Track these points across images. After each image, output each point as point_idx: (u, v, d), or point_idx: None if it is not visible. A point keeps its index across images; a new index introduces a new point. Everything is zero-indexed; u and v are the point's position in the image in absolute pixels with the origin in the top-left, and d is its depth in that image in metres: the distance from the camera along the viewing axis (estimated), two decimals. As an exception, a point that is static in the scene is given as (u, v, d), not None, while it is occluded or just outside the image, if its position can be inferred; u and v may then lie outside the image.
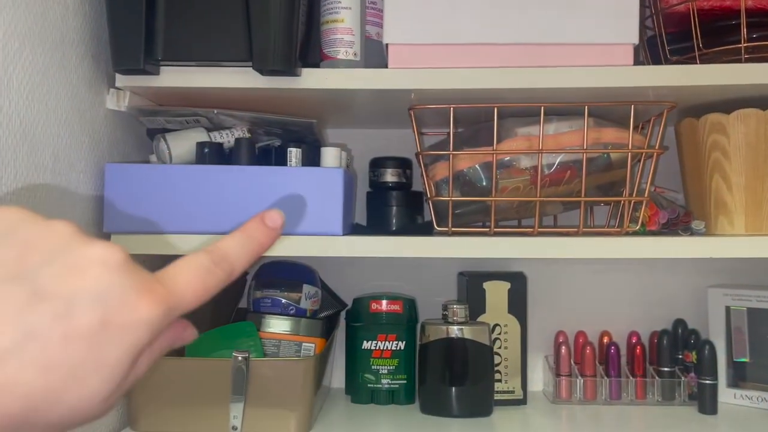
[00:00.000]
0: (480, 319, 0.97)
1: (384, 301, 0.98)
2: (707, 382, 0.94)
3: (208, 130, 0.85)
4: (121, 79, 0.79)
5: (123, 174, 0.78)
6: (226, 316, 1.02)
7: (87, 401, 0.25)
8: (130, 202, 0.78)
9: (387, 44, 0.79)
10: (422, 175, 0.87)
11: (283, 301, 0.94)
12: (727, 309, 0.99)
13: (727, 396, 0.98)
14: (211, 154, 0.81)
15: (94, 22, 0.77)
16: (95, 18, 0.78)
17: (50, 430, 0.26)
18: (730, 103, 0.84)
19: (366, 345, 0.98)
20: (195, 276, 0.29)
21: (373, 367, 0.98)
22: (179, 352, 0.88)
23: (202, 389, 0.83)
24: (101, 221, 0.79)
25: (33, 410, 0.24)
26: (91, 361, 0.25)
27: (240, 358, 0.82)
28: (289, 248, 0.78)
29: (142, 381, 0.30)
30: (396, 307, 0.98)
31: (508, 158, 0.84)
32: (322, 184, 0.79)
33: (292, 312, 0.94)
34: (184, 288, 0.28)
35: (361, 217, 1.04)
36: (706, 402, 0.94)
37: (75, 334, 0.24)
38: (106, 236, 0.79)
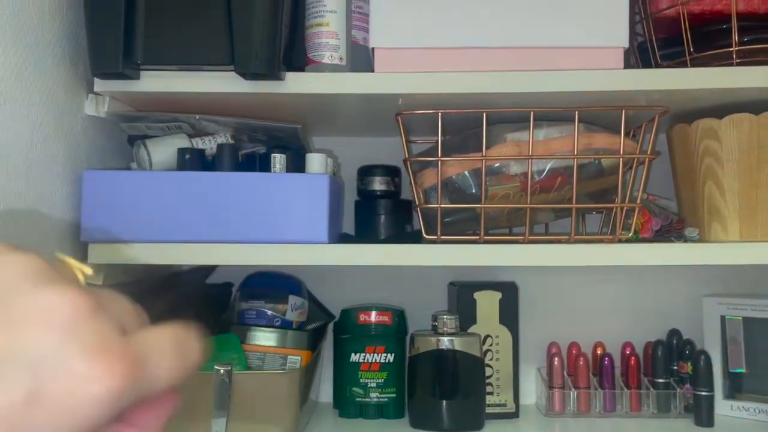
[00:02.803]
0: (471, 330, 0.95)
1: (373, 313, 0.96)
2: (703, 393, 0.91)
3: (190, 136, 0.83)
4: (99, 84, 0.76)
5: (101, 181, 0.76)
6: (209, 327, 0.99)
7: None
8: (108, 211, 0.76)
9: (373, 48, 0.78)
10: (410, 182, 0.85)
11: (269, 312, 0.91)
12: (723, 318, 0.97)
13: (723, 408, 0.95)
14: (192, 161, 0.79)
15: (71, 24, 0.75)
16: (73, 20, 0.76)
17: None
18: (722, 108, 0.83)
19: (354, 358, 0.95)
20: (175, 348, 0.24)
21: (361, 380, 0.95)
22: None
23: (183, 404, 0.80)
24: (78, 230, 0.76)
25: None
26: None
27: (222, 371, 0.79)
28: (273, 257, 0.76)
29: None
30: (385, 319, 0.96)
31: (497, 164, 0.82)
32: (307, 190, 0.77)
33: (277, 324, 0.91)
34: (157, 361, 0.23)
35: (349, 226, 1.02)
36: (703, 414, 0.92)
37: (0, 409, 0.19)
38: (84, 246, 0.76)
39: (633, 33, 0.90)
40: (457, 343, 0.90)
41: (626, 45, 0.76)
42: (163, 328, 0.24)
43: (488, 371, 0.95)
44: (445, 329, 0.91)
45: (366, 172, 0.99)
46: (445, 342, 0.91)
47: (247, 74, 0.74)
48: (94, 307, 0.22)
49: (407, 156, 0.84)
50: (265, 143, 0.88)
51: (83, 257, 0.77)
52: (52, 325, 0.20)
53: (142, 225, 0.76)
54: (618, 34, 0.76)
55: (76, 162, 0.77)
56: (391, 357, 0.95)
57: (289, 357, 0.88)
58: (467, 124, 0.90)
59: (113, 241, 0.76)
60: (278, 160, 0.78)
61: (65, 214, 0.75)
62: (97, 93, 0.78)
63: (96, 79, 0.76)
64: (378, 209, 0.97)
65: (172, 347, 0.24)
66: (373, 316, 0.96)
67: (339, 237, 0.94)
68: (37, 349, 0.20)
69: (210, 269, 1.00)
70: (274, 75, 0.74)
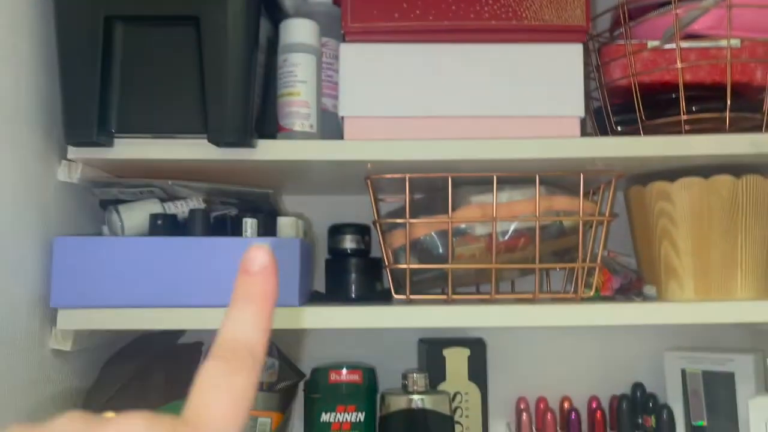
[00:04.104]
0: (440, 387, 0.96)
1: (343, 371, 0.97)
2: (667, 446, 0.94)
3: (162, 200, 0.84)
4: (73, 151, 0.78)
5: (72, 247, 0.76)
6: (182, 390, 0.98)
7: None
8: (79, 276, 0.76)
9: (343, 117, 0.81)
10: (380, 242, 0.87)
11: (239, 373, 0.91)
12: (683, 372, 1.00)
13: (687, 460, 0.97)
14: (164, 226, 0.80)
15: (46, 93, 0.77)
16: (48, 89, 0.77)
17: None
18: (675, 171, 0.87)
19: (325, 417, 0.95)
20: (220, 397, 0.24)
21: (332, 440, 0.95)
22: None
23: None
24: (48, 296, 0.76)
25: None
26: None
27: (192, 436, 0.78)
28: (243, 321, 0.77)
29: None
30: (355, 377, 0.97)
31: (463, 226, 0.85)
32: (278, 254, 0.78)
33: (248, 385, 0.91)
34: (219, 423, 0.24)
35: (320, 283, 1.03)
36: (668, 467, 0.93)
37: None
38: (54, 311, 0.76)
39: (589, 98, 0.95)
40: (428, 402, 0.91)
41: (582, 114, 0.80)
42: (196, 388, 0.24)
43: (458, 428, 0.96)
44: (415, 388, 0.92)
45: (336, 231, 1.00)
46: (415, 401, 0.91)
47: (220, 143, 0.76)
48: (149, 423, 0.22)
49: (377, 218, 0.87)
50: (237, 205, 0.89)
51: (53, 323, 0.77)
52: None
53: (113, 290, 0.76)
54: (574, 104, 0.80)
55: (48, 228, 0.77)
56: (361, 416, 0.96)
57: (259, 419, 0.88)
58: (434, 185, 0.93)
59: (84, 306, 0.76)
60: (249, 224, 0.80)
61: (36, 279, 0.75)
62: (70, 159, 0.79)
63: (69, 147, 0.77)
64: (349, 267, 0.98)
65: (217, 399, 0.25)
66: (344, 375, 0.96)
67: (310, 295, 0.95)
68: None
69: (181, 331, 1.00)
70: (246, 143, 0.76)
